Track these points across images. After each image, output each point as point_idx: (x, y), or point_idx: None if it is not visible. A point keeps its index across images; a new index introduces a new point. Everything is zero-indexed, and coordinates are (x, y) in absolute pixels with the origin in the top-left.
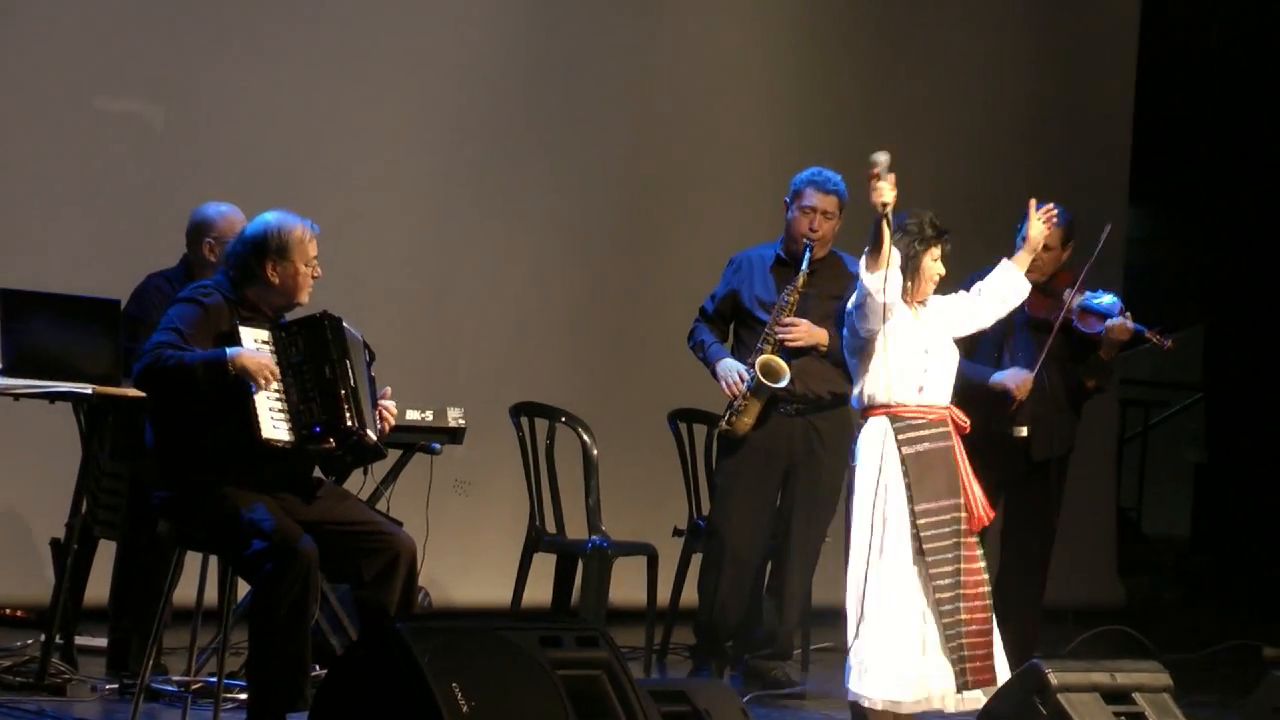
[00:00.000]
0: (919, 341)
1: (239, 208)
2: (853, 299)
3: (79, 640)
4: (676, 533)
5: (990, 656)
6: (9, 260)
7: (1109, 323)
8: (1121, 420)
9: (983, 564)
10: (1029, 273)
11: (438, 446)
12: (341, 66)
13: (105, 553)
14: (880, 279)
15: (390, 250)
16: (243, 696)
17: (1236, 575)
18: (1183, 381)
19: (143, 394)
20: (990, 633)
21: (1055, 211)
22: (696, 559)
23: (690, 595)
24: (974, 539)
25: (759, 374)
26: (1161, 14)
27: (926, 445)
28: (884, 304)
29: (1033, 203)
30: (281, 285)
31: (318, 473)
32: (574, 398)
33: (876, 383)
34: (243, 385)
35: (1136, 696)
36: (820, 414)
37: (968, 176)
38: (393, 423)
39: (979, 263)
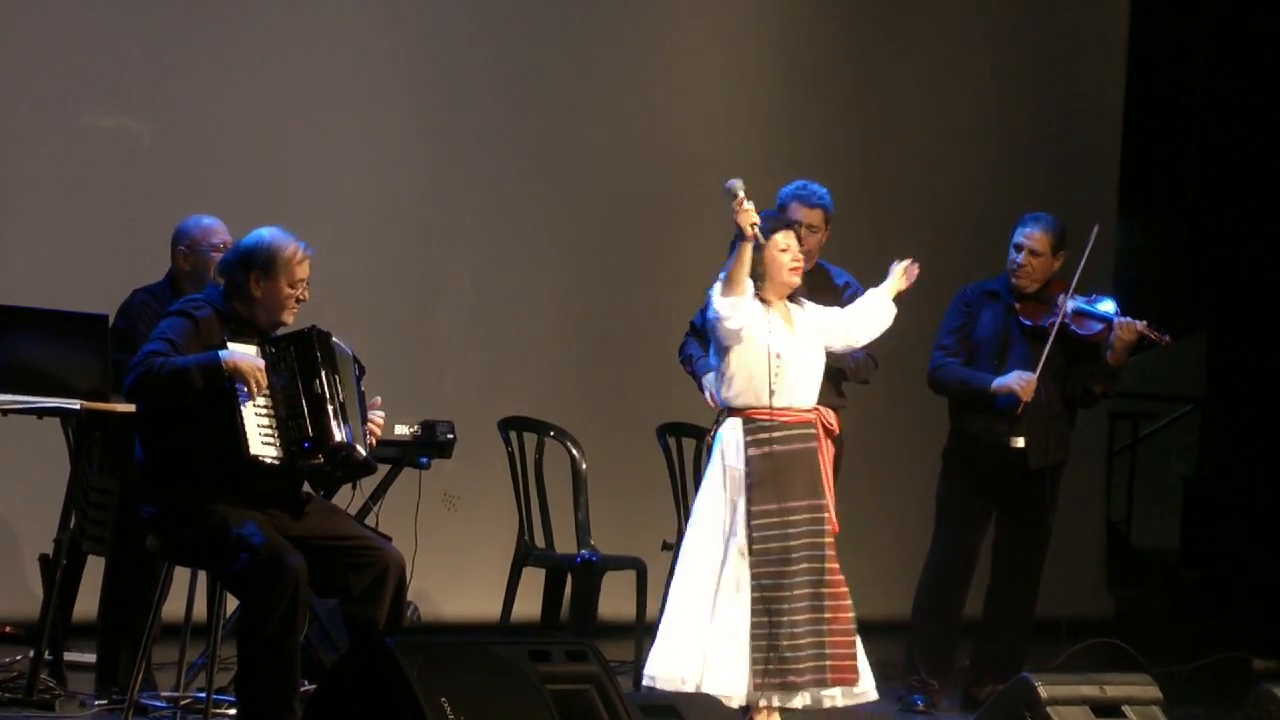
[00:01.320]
0: (772, 346)
1: (228, 222)
2: (707, 311)
3: (68, 656)
4: (665, 546)
5: (853, 656)
6: None
7: (1117, 321)
8: (1110, 433)
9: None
10: (1021, 281)
11: (426, 461)
12: (328, 82)
13: (94, 568)
14: (731, 305)
15: (377, 265)
16: (232, 712)
17: (1226, 588)
18: (1172, 394)
19: (131, 408)
20: (853, 633)
21: (916, 270)
22: None
23: None
24: (832, 540)
25: None
26: (1150, 24)
27: (777, 448)
28: (734, 330)
29: (900, 265)
30: (264, 301)
31: (307, 487)
32: (563, 412)
33: (731, 386)
34: (233, 397)
35: (1126, 709)
36: None
37: (955, 189)
38: (379, 434)
39: (967, 275)
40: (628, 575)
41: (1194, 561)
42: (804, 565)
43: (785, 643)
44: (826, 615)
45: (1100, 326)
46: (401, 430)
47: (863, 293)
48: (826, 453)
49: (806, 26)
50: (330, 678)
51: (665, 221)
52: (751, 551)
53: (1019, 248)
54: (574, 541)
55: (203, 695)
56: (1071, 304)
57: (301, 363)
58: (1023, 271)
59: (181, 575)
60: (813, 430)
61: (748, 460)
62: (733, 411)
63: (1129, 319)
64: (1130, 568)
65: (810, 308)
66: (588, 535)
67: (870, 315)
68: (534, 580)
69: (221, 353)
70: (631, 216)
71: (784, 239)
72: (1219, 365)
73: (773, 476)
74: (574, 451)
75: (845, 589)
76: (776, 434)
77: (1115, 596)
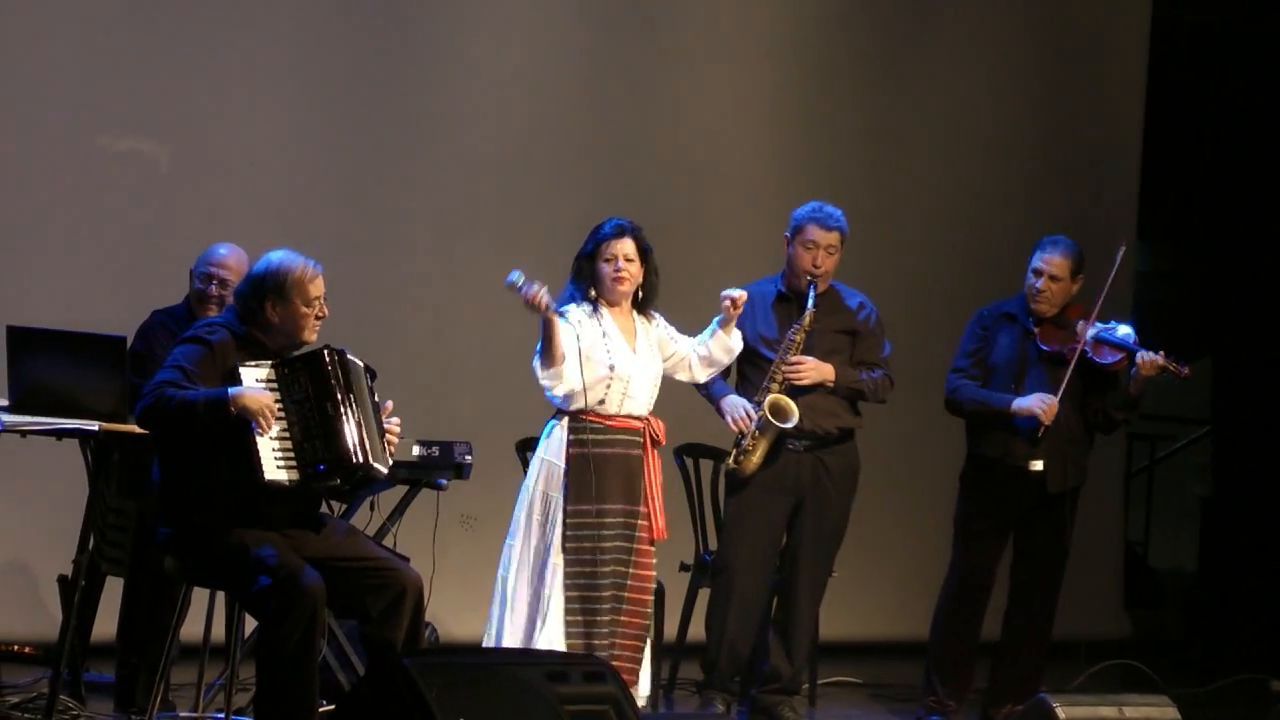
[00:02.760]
0: (605, 358)
1: (244, 244)
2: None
3: (87, 676)
4: (683, 568)
5: (638, 662)
6: (16, 298)
7: (1139, 357)
8: (1128, 454)
9: (653, 573)
10: (1040, 305)
11: (444, 482)
12: (345, 104)
13: (113, 589)
14: (554, 375)
15: (393, 285)
16: None
17: (1244, 609)
18: (1189, 416)
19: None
20: (643, 639)
21: (740, 298)
22: (703, 593)
23: (697, 629)
24: (649, 547)
25: (768, 414)
26: (1169, 47)
27: (596, 450)
28: (565, 394)
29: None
30: (282, 325)
31: (324, 507)
32: None
33: (562, 390)
34: (247, 425)
35: None
36: (827, 449)
37: (972, 212)
38: (397, 442)
39: (983, 296)
40: None
41: (1212, 583)
42: (610, 568)
43: (620, 642)
44: (622, 618)
45: (1119, 356)
46: (419, 451)
47: (877, 313)
48: (653, 461)
49: (823, 45)
50: (348, 699)
51: (682, 240)
52: (565, 550)
53: (1038, 272)
54: None
55: (221, 716)
56: (1091, 331)
57: (315, 383)
58: (1042, 296)
59: (200, 596)
60: (638, 438)
61: (567, 459)
62: (562, 413)
63: (1149, 352)
64: (1148, 589)
65: (661, 326)
66: None
67: (713, 358)
68: None
69: (230, 390)
70: (649, 236)
71: (608, 248)
72: (1225, 388)
73: (590, 477)
74: None
75: (647, 596)
76: (598, 436)
77: (1133, 617)
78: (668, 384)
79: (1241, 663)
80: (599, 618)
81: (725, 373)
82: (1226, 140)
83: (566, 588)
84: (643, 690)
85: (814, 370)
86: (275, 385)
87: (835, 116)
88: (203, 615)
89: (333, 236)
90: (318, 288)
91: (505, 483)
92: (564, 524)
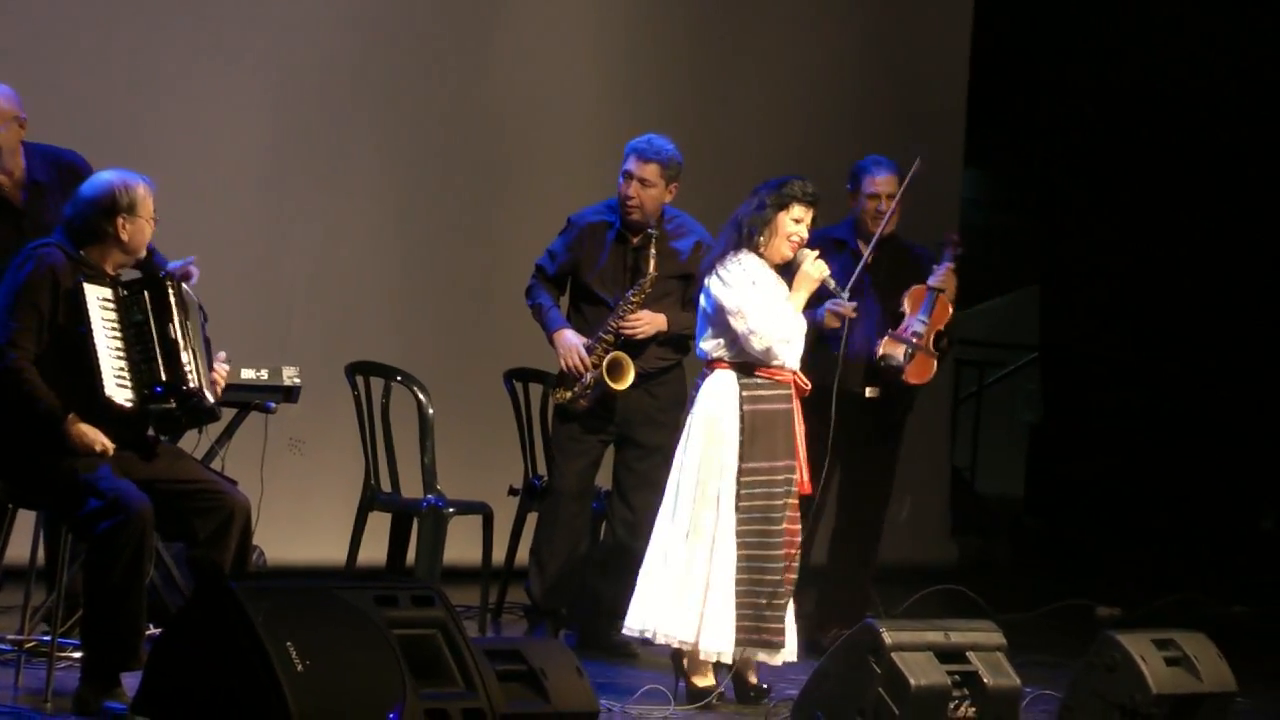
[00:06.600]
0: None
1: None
2: (736, 326)
3: None
4: (512, 492)
5: (784, 619)
6: None
7: (935, 282)
8: (956, 380)
9: (799, 526)
10: (882, 225)
11: (273, 405)
12: (178, 23)
13: None
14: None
15: (224, 208)
16: (77, 655)
17: (1070, 535)
18: (1018, 342)
19: None
20: (791, 595)
21: None
22: (531, 518)
23: (525, 554)
24: (795, 500)
25: (605, 376)
26: None
27: (766, 406)
28: (766, 347)
29: None
30: (130, 242)
31: (152, 431)
32: (410, 357)
33: (762, 345)
34: (86, 341)
35: (970, 655)
36: (654, 380)
37: (799, 140)
38: (223, 385)
39: (818, 224)
40: (474, 520)
41: (1038, 509)
42: (783, 525)
43: (766, 601)
44: (788, 575)
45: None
46: (248, 374)
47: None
48: (799, 414)
49: None
50: (175, 622)
51: (512, 167)
52: (738, 509)
53: (874, 196)
54: (420, 486)
55: (47, 639)
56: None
57: (156, 307)
58: (883, 217)
59: (25, 518)
60: (791, 392)
61: (741, 415)
62: (721, 362)
63: (938, 271)
64: (975, 515)
65: None
66: (434, 480)
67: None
68: (380, 525)
69: (69, 425)
70: (477, 164)
71: (798, 211)
72: (1053, 315)
73: (763, 433)
74: (421, 396)
75: (797, 551)
76: (768, 391)
77: (960, 544)
78: (492, 307)
79: (1067, 588)
80: (769, 577)
81: (559, 296)
82: (1058, 68)
83: (738, 546)
84: (790, 647)
85: (649, 325)
86: (114, 306)
87: (663, 44)
88: (29, 538)
89: (162, 156)
90: (152, 203)
91: (335, 407)
92: (737, 481)
